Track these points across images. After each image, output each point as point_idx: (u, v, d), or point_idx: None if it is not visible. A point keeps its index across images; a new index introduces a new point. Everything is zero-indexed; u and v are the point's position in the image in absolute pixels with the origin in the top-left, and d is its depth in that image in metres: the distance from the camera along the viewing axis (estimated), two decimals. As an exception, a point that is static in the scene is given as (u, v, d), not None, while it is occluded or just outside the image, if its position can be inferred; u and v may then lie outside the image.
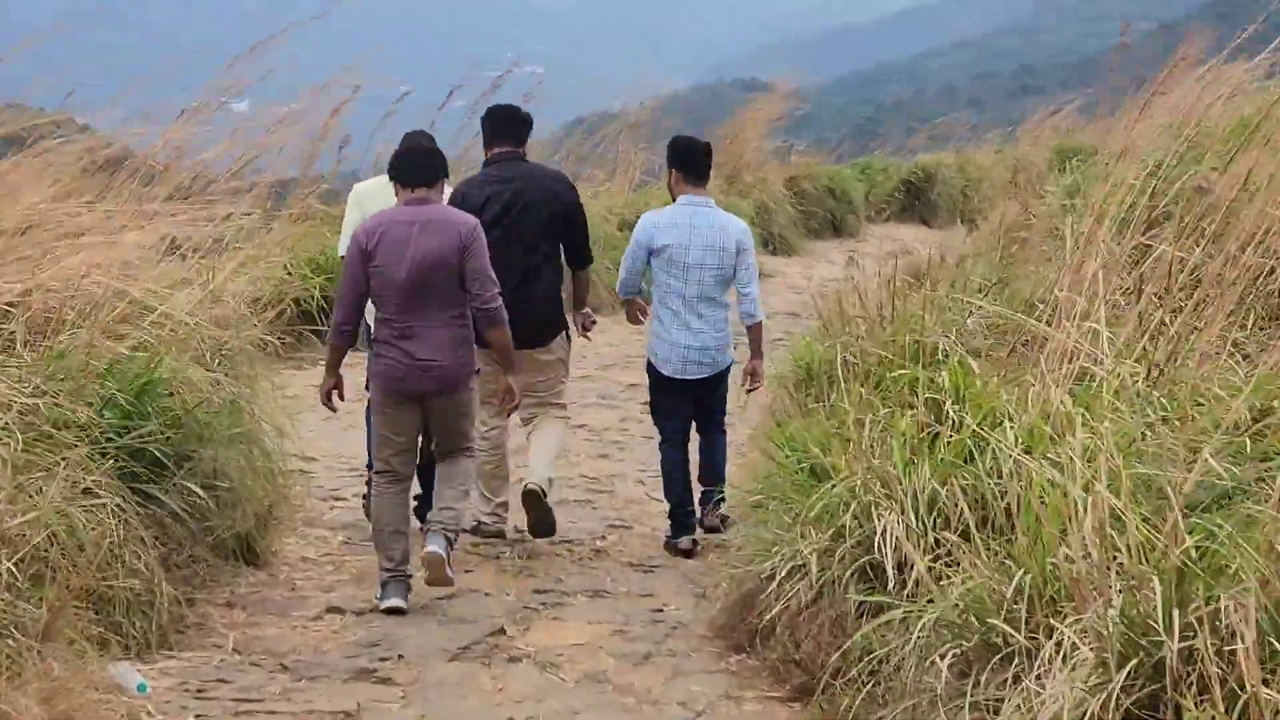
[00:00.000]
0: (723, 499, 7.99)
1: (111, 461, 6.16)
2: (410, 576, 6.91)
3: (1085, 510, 4.54)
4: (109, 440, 6.28)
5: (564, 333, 8.08)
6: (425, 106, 14.85)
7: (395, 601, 6.75)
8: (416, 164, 6.97)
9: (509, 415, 7.78)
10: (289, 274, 11.71)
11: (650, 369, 8.15)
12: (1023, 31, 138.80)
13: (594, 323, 8.40)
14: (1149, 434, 5.52)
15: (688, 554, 7.89)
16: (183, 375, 7.01)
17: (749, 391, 8.37)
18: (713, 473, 8.13)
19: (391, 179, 7.04)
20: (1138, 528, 4.48)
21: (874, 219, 21.93)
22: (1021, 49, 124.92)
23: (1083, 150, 26.11)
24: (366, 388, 7.50)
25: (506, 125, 8.01)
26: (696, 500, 8.12)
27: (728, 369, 8.15)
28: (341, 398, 7.17)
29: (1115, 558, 4.47)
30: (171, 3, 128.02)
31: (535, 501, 7.65)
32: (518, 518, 8.04)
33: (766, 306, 8.88)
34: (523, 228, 7.77)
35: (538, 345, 7.82)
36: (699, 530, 8.05)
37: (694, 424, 8.24)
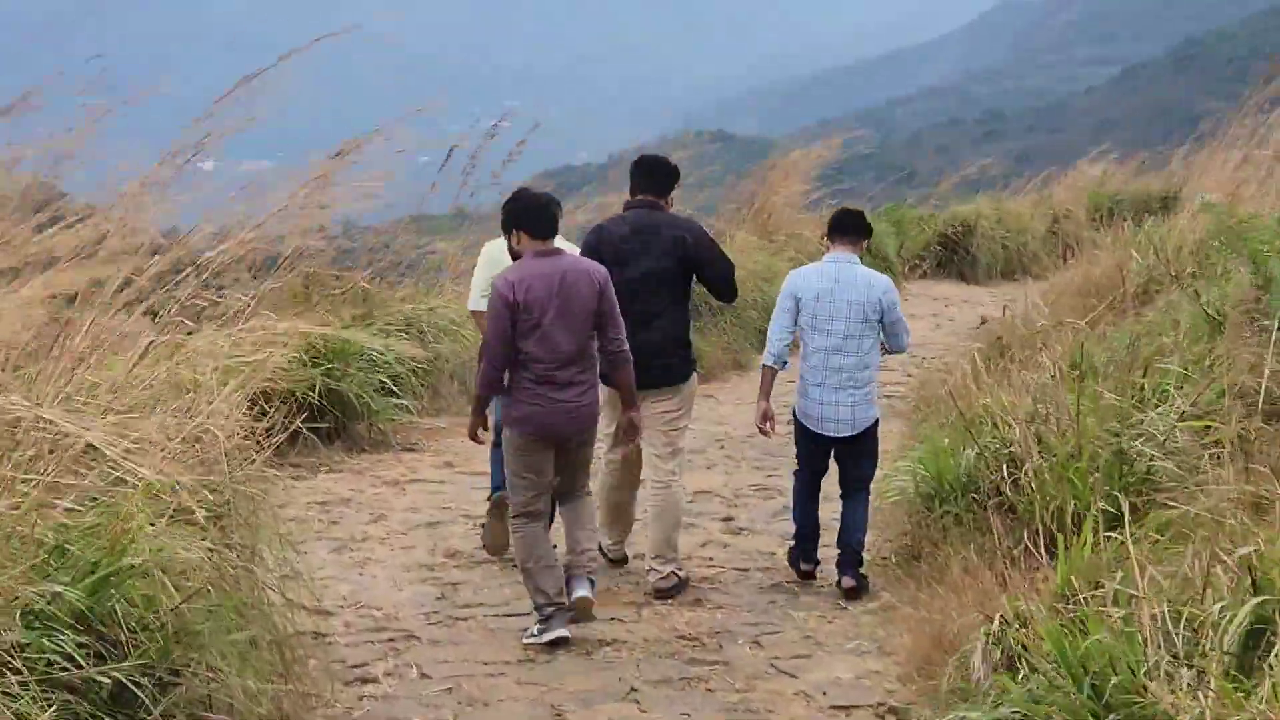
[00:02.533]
0: (860, 559, 7.98)
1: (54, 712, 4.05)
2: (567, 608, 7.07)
3: None
4: (52, 668, 4.18)
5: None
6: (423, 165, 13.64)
7: (561, 632, 6.97)
8: (550, 216, 7.16)
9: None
10: (286, 365, 9.66)
11: (795, 420, 8.19)
12: (994, 77, 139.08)
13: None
14: None
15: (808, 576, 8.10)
16: (162, 553, 4.92)
17: None
18: (852, 530, 8.02)
19: (517, 229, 7.19)
20: None
21: (908, 275, 19.90)
22: (991, 95, 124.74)
23: (1123, 198, 24.57)
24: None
25: (647, 176, 8.20)
26: (835, 560, 8.06)
27: (872, 427, 8.10)
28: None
29: None
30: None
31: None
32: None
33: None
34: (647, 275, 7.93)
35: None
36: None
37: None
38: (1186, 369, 7.89)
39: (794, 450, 8.33)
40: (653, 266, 7.91)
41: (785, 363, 8.11)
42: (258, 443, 6.56)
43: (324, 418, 10.55)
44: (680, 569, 7.95)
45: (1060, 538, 5.75)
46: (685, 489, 8.48)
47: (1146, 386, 7.64)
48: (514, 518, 7.22)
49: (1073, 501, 6.41)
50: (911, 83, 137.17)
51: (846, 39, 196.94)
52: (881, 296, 7.98)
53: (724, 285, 8.24)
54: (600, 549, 8.04)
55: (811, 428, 8.02)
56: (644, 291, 7.85)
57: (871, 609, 7.40)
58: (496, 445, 7.95)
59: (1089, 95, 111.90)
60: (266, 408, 7.51)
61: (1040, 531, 6.31)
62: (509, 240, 7.31)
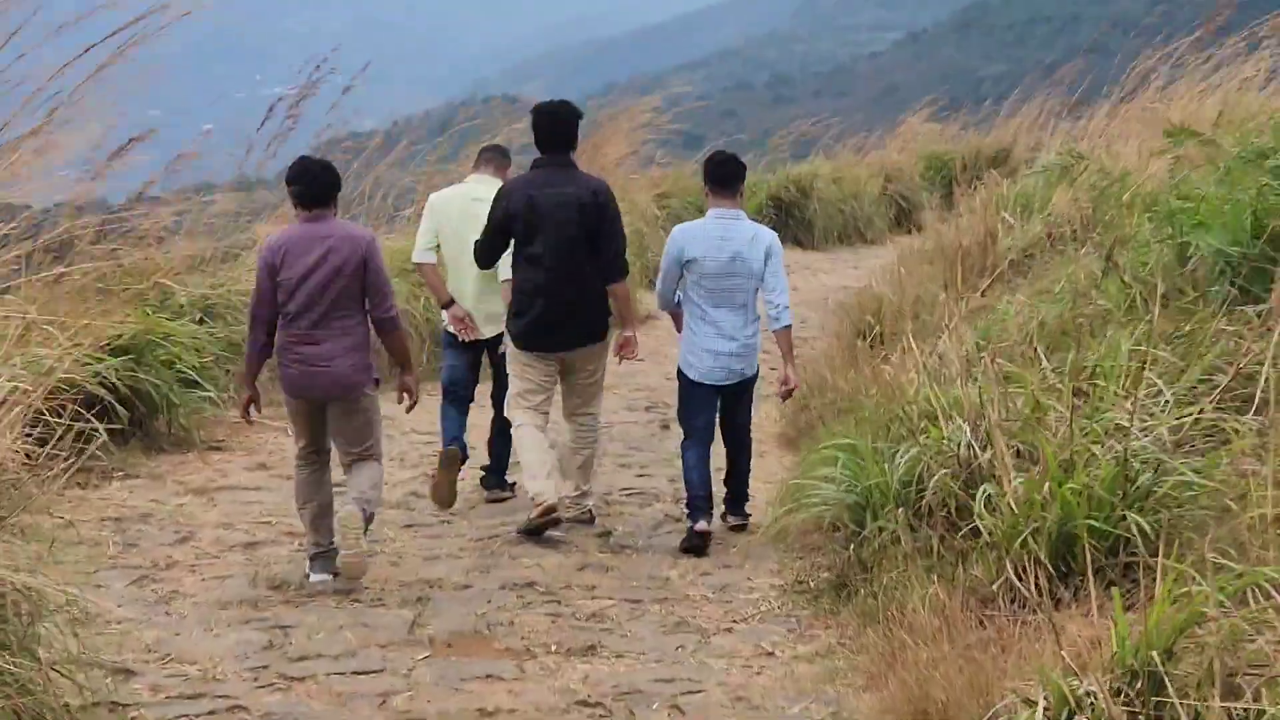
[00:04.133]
0: (746, 500, 8.25)
1: None
2: None
3: None
4: None
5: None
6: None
7: (322, 576, 7.17)
8: (319, 184, 7.20)
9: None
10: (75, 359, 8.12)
11: (680, 374, 8.17)
12: (779, 41, 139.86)
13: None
14: None
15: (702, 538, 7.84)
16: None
17: (785, 399, 8.49)
18: (737, 478, 8.29)
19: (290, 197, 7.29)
20: None
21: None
22: (778, 59, 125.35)
23: (950, 158, 23.77)
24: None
25: (551, 128, 8.00)
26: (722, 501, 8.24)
27: (753, 379, 8.18)
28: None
29: None
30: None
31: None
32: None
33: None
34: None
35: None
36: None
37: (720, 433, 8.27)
38: (1146, 351, 6.80)
39: (666, 438, 8.62)
40: (567, 223, 7.78)
41: (677, 302, 8.20)
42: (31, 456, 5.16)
43: (116, 416, 8.94)
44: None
45: (1090, 579, 4.54)
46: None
47: (1109, 374, 6.51)
48: (296, 461, 7.39)
49: (1080, 525, 5.23)
50: (698, 48, 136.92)
51: (636, 4, 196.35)
52: (770, 245, 8.00)
53: (617, 256, 7.97)
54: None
55: (696, 378, 8.02)
56: (561, 251, 7.79)
57: (805, 653, 6.08)
58: (445, 400, 8.70)
59: (874, 60, 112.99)
60: (46, 412, 6.17)
61: (1029, 565, 5.13)
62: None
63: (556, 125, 7.96)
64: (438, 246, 8.62)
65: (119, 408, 8.99)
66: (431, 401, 9.05)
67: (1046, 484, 5.45)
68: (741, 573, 7.35)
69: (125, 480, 8.88)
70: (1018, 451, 5.92)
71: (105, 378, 8.81)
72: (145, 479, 8.95)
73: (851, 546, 6.57)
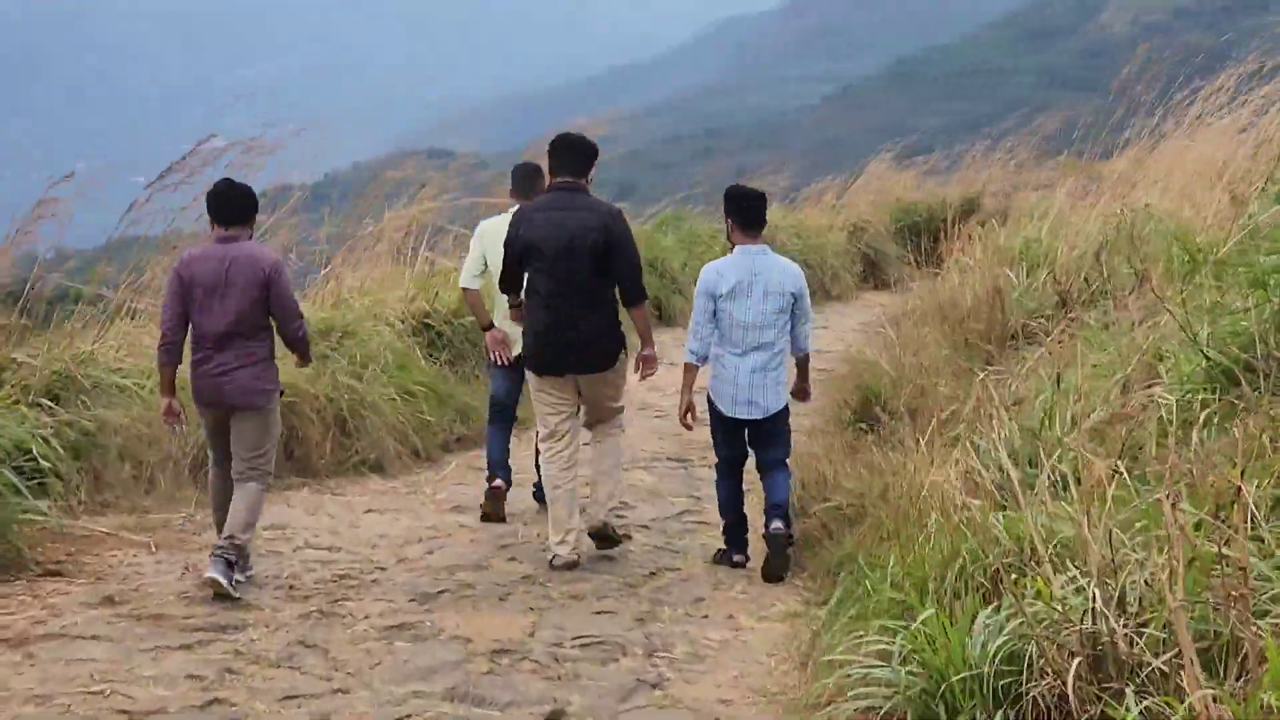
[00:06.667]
0: (787, 517, 7.94)
1: None
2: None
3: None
4: None
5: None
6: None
7: (211, 574, 7.22)
8: (228, 205, 7.54)
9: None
10: None
11: (709, 403, 8.18)
12: (712, 95, 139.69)
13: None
14: None
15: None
16: None
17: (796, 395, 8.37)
18: (777, 496, 7.99)
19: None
20: None
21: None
22: (711, 113, 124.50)
23: (916, 208, 21.94)
24: None
25: (565, 156, 8.00)
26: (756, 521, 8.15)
27: (783, 410, 8.10)
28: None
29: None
30: None
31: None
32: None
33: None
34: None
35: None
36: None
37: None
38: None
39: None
40: (575, 249, 7.75)
41: (706, 358, 8.10)
42: None
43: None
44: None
45: None
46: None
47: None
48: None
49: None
50: (631, 101, 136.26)
51: (579, 55, 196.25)
52: (798, 280, 8.08)
53: (631, 282, 7.94)
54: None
55: (726, 411, 8.05)
56: (568, 275, 7.78)
57: None
58: (490, 420, 9.23)
59: (808, 113, 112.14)
60: None
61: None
62: None
63: (567, 153, 7.96)
64: (484, 272, 8.86)
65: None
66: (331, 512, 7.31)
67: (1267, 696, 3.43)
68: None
69: (-82, 625, 6.71)
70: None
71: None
72: (-55, 624, 6.78)
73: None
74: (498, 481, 8.94)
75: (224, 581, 7.15)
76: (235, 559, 7.28)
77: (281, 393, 7.60)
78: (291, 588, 7.47)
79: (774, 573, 7.78)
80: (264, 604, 7.14)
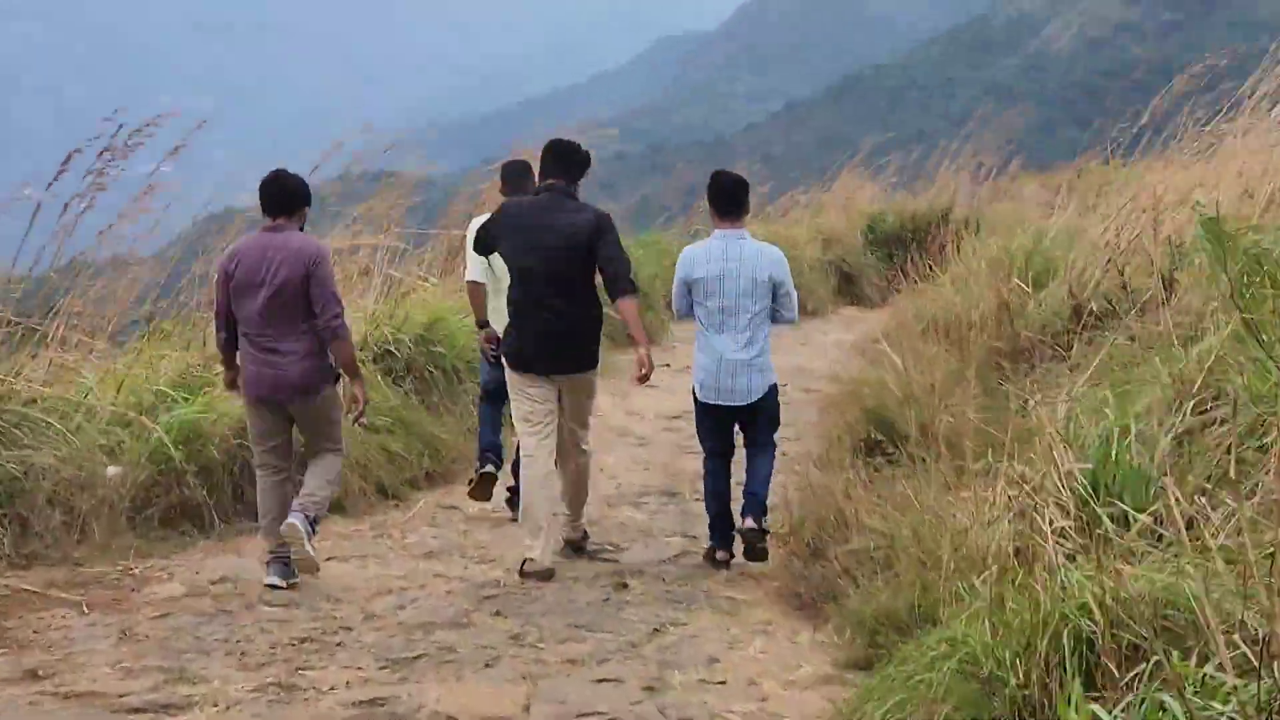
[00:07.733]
0: (764, 510, 7.97)
1: None
2: None
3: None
4: None
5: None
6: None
7: (273, 579, 7.48)
8: (277, 193, 7.65)
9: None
10: None
11: (693, 395, 8.16)
12: (655, 113, 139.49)
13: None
14: None
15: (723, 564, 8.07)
16: None
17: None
18: (755, 485, 7.98)
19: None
20: None
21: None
22: (654, 130, 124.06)
23: (885, 219, 21.17)
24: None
25: (556, 161, 8.03)
26: (738, 511, 8.06)
27: (767, 395, 8.00)
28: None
29: None
30: None
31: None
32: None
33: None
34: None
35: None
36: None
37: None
38: None
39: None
40: (555, 249, 7.77)
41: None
42: None
43: None
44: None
45: None
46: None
47: None
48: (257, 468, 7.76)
49: None
50: (575, 119, 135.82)
51: (518, 76, 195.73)
52: (776, 263, 7.98)
53: (622, 274, 7.78)
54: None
55: (709, 400, 8.01)
56: (547, 276, 7.78)
57: None
58: (482, 399, 9.31)
59: (752, 131, 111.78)
60: None
61: None
62: None
63: (561, 159, 7.99)
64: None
65: None
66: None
67: None
68: None
69: None
70: None
71: None
72: None
73: None
74: (488, 467, 8.98)
75: (283, 583, 7.44)
76: (312, 516, 7.44)
77: (337, 377, 7.63)
78: (244, 654, 6.48)
79: (754, 560, 7.98)
80: (211, 675, 6.14)
